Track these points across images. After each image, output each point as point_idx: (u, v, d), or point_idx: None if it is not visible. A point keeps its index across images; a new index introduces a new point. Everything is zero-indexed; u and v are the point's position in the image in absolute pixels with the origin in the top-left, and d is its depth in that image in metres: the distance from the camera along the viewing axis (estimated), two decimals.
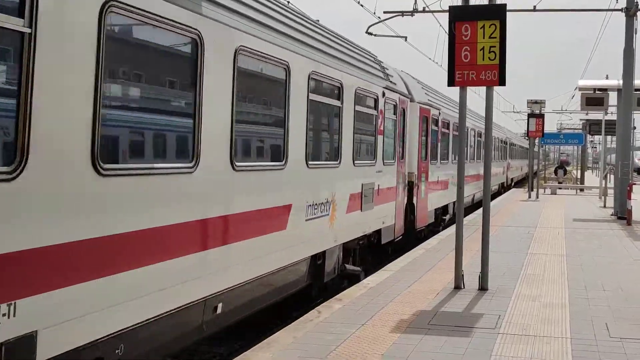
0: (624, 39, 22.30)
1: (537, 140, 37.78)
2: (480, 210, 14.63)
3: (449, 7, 10.74)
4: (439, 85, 21.24)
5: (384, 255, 14.46)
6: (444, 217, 20.97)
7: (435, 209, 19.45)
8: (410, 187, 16.26)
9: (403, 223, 15.43)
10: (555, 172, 50.94)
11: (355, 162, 11.52)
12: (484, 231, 10.55)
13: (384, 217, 13.53)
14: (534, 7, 23.46)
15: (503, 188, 40.27)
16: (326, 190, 10.22)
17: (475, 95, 34.32)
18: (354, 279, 11.73)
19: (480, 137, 28.28)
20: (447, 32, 10.36)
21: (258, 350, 7.05)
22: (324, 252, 10.39)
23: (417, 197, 16.61)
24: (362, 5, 20.37)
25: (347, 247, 11.67)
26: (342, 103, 10.77)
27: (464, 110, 10.71)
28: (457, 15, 10.24)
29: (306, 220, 9.45)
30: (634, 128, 34.18)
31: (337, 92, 10.67)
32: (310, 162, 9.49)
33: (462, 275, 10.39)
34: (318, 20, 11.46)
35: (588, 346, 7.38)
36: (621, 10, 22.41)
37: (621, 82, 22.86)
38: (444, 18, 13.50)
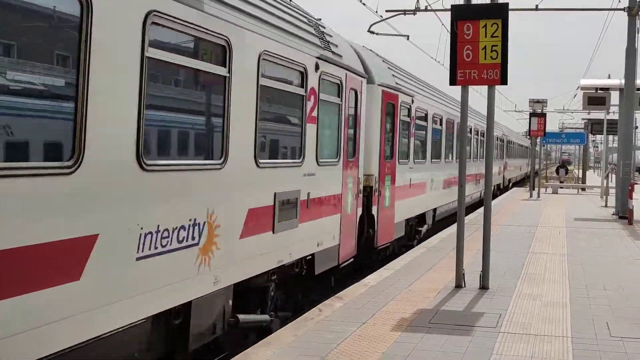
0: (626, 38, 22.31)
1: (538, 140, 37.72)
2: (481, 209, 14.61)
3: (451, 6, 10.75)
4: (441, 84, 21.23)
5: (325, 289, 11.15)
6: (420, 229, 17.31)
7: (407, 220, 15.88)
8: (370, 194, 13.02)
9: (355, 241, 11.83)
10: (557, 171, 50.92)
11: (260, 161, 8.10)
12: (485, 230, 10.54)
13: (322, 236, 10.17)
14: (536, 6, 23.53)
15: (499, 190, 37.38)
16: (194, 207, 6.72)
17: (477, 94, 34.13)
18: (266, 330, 8.57)
19: (472, 133, 26.39)
20: (449, 31, 10.37)
21: (259, 348, 7.07)
22: (189, 303, 6.78)
23: (378, 205, 13.32)
24: (364, 4, 20.41)
25: (250, 287, 8.25)
26: (229, 71, 7.27)
27: (465, 109, 10.72)
28: (459, 14, 10.25)
29: (139, 258, 5.85)
30: (636, 127, 34.20)
31: (222, 53, 7.21)
32: (148, 162, 5.92)
33: (463, 274, 10.40)
34: (320, 19, 11.19)
35: (589, 345, 7.39)
36: (623, 9, 22.45)
37: (623, 81, 22.88)
38: (446, 17, 13.47)
